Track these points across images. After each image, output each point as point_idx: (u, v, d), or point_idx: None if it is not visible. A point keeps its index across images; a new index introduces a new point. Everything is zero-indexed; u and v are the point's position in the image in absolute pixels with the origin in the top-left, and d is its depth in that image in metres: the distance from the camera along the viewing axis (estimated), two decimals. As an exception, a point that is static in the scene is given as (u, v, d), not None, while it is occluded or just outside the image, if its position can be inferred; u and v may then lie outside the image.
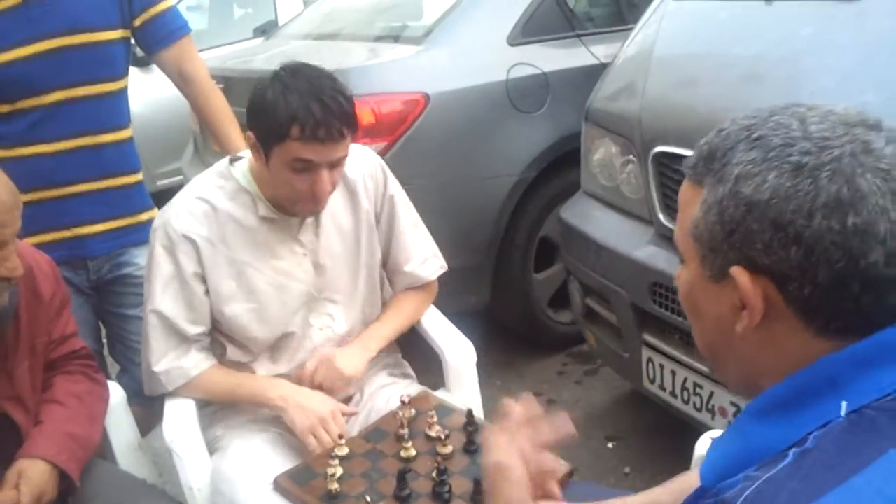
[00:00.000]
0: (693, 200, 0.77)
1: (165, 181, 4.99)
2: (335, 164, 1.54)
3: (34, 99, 1.86)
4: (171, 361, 1.65)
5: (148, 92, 4.01)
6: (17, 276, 1.37)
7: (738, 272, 0.72)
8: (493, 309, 3.04)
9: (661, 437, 2.55)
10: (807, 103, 0.75)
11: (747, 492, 0.65)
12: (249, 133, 1.55)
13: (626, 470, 2.54)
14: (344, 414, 1.62)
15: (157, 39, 2.03)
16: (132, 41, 2.03)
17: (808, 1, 1.95)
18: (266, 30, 5.48)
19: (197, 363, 1.67)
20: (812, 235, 0.68)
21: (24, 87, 1.85)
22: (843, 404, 0.68)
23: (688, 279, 0.80)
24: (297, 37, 3.65)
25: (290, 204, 1.61)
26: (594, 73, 2.71)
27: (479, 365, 1.84)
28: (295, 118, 1.45)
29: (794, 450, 0.67)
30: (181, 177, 4.02)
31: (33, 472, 1.44)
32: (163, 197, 2.15)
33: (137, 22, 1.99)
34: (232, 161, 1.69)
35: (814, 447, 0.67)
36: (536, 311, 3.10)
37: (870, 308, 0.69)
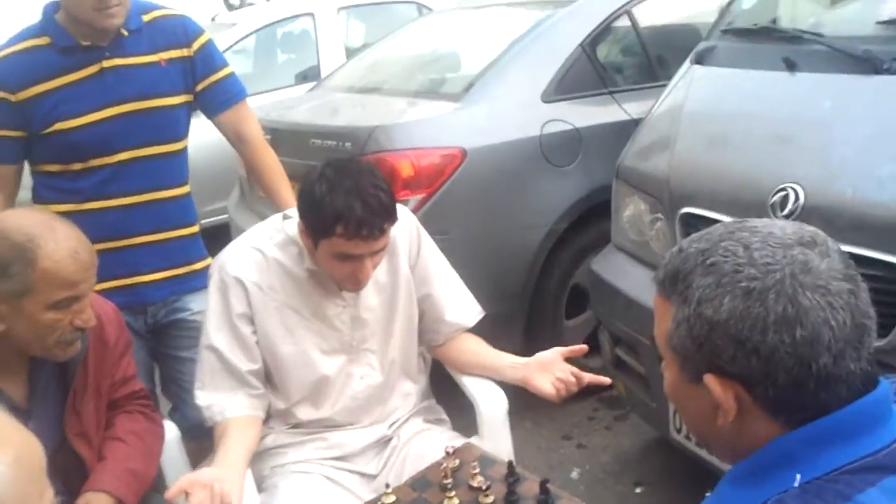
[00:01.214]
0: (665, 314, 0.88)
1: (210, 219, 5.17)
2: (377, 253, 1.67)
3: (105, 158, 2.02)
4: (215, 397, 1.75)
5: (195, 134, 4.20)
6: (90, 327, 1.51)
7: (710, 380, 0.84)
8: (525, 354, 3.11)
9: (688, 484, 2.59)
10: (750, 225, 0.87)
11: None
12: (300, 221, 1.70)
13: (654, 515, 2.59)
14: None
15: (217, 104, 2.19)
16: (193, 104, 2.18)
17: (828, 75, 2.04)
18: (307, 75, 5.68)
19: (237, 408, 1.74)
20: (767, 348, 0.80)
21: (96, 147, 2.00)
22: (797, 476, 0.80)
23: (671, 380, 0.92)
24: (340, 89, 3.80)
25: (334, 282, 1.75)
26: (625, 128, 2.82)
27: (510, 408, 1.91)
28: (339, 218, 1.58)
29: None
30: (226, 216, 4.18)
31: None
32: (206, 235, 2.29)
33: (199, 87, 2.14)
34: (285, 217, 1.82)
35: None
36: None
37: (827, 400, 0.81)
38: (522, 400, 1.92)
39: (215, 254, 1.81)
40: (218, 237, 4.23)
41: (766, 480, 0.82)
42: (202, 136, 2.59)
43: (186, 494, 1.48)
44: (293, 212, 1.82)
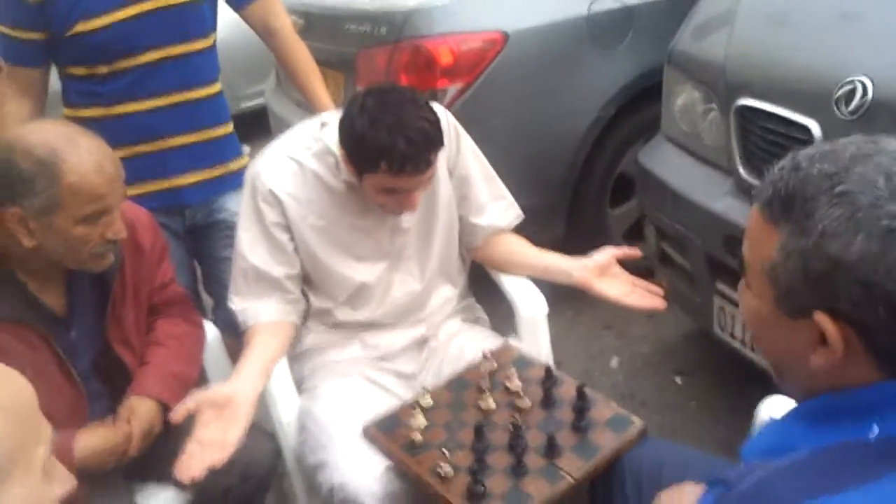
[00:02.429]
0: (767, 240, 0.78)
1: (249, 103, 5.10)
2: (424, 185, 1.63)
3: (130, 59, 1.94)
4: (247, 301, 1.77)
5: (231, 16, 4.09)
6: (121, 238, 1.49)
7: (823, 319, 0.74)
8: (567, 243, 3.07)
9: (729, 375, 2.58)
10: (892, 149, 0.74)
11: (754, 478, 0.71)
12: (341, 150, 1.63)
13: (693, 404, 2.60)
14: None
15: None
16: None
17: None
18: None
19: (269, 311, 1.75)
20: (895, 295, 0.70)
21: (121, 48, 1.93)
22: (875, 428, 0.73)
23: (757, 309, 0.82)
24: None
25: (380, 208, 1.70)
26: (680, 5, 2.61)
27: (550, 296, 1.90)
28: (383, 154, 1.52)
29: (811, 450, 0.73)
30: (262, 100, 4.11)
31: (142, 409, 1.59)
32: (245, 119, 2.23)
33: None
34: (322, 124, 1.75)
35: (829, 454, 0.72)
36: (612, 245, 3.11)
37: None
38: (563, 290, 1.88)
39: (253, 142, 1.76)
40: (255, 125, 4.19)
41: (842, 424, 0.75)
42: (234, 18, 2.49)
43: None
44: (331, 116, 1.75)
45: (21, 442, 0.78)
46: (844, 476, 0.69)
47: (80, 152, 1.38)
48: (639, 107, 2.88)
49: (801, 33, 1.98)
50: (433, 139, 1.56)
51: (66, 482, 0.85)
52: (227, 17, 2.15)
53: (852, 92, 1.70)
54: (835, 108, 1.72)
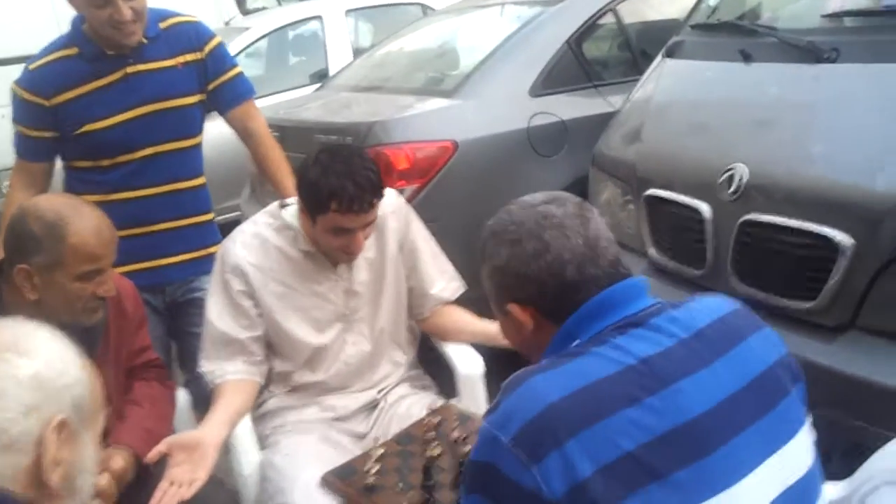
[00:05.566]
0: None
1: (224, 216, 5.38)
2: (367, 226, 1.88)
3: (130, 154, 2.24)
4: (215, 363, 1.95)
5: (211, 136, 4.42)
6: (110, 296, 1.73)
7: (512, 307, 1.18)
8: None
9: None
10: (517, 200, 1.22)
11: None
12: (299, 200, 1.90)
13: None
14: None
15: (227, 101, 2.40)
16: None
17: (777, 64, 2.22)
18: (322, 76, 5.90)
19: (236, 371, 1.93)
20: (534, 275, 1.14)
21: (122, 145, 2.23)
22: (577, 341, 1.12)
23: (499, 321, 1.27)
24: (345, 88, 4.01)
25: (329, 254, 1.95)
26: (608, 120, 2.98)
27: (490, 367, 2.08)
28: (333, 196, 1.79)
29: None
30: (239, 213, 4.41)
31: (118, 457, 1.75)
32: (222, 230, 2.49)
33: (211, 87, 2.36)
34: (282, 206, 2.03)
35: (550, 358, 1.10)
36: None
37: (585, 299, 1.13)
38: (504, 358, 2.09)
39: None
40: (231, 232, 4.46)
41: (561, 347, 1.14)
42: (217, 139, 2.81)
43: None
44: (291, 200, 2.03)
45: (98, 402, 1.02)
46: (557, 364, 1.07)
47: (82, 218, 1.63)
48: (576, 208, 3.18)
49: (695, 136, 2.33)
50: (376, 185, 1.82)
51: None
52: (206, 138, 2.43)
53: (732, 177, 2.02)
54: (719, 192, 2.04)
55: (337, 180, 1.78)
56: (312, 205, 1.84)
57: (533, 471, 0.98)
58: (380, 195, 1.85)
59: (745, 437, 1.03)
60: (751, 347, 1.11)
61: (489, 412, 1.08)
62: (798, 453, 1.08)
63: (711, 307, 1.15)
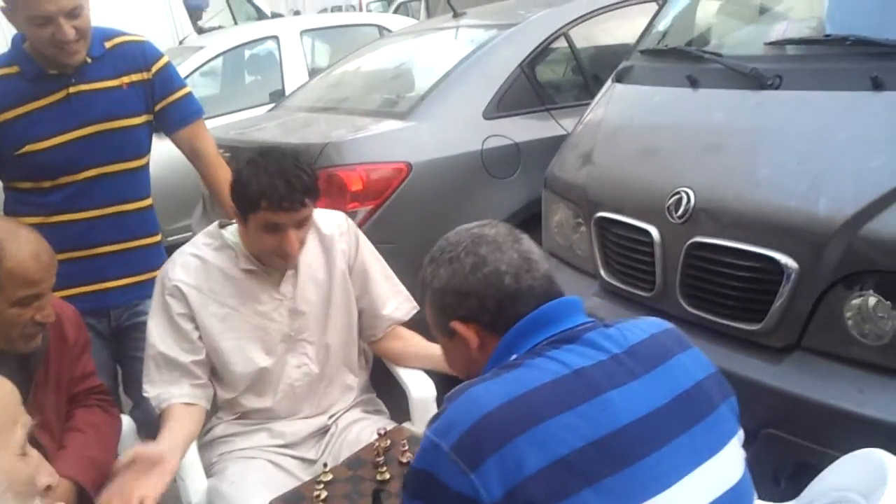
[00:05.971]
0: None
1: (176, 237, 5.31)
2: (300, 224, 1.86)
3: (72, 175, 2.19)
4: (159, 387, 1.91)
5: (162, 157, 4.37)
6: (49, 322, 1.68)
7: (456, 325, 1.22)
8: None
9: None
10: (456, 228, 1.29)
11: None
12: (232, 202, 1.88)
13: None
14: None
15: (174, 122, 2.36)
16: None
17: (723, 90, 2.27)
18: (280, 95, 5.87)
19: (182, 394, 1.89)
20: (472, 287, 1.20)
21: (64, 166, 2.18)
22: (514, 355, 1.16)
23: (442, 345, 1.33)
24: (299, 108, 4.00)
25: (265, 259, 1.92)
26: (559, 142, 3.02)
27: (443, 393, 2.08)
28: (263, 194, 1.78)
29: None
30: (190, 233, 4.35)
31: (59, 488, 1.69)
32: (171, 251, 2.45)
33: (158, 107, 2.32)
34: (222, 225, 2.01)
35: (491, 371, 1.15)
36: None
37: (524, 310, 1.19)
38: (456, 382, 2.09)
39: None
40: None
41: (499, 361, 1.18)
42: (168, 158, 2.76)
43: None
44: (229, 221, 2.01)
45: (9, 416, 0.97)
46: (496, 374, 1.12)
47: (19, 242, 1.58)
48: (528, 229, 3.16)
49: (643, 160, 2.37)
50: (308, 185, 1.81)
51: (51, 476, 1.03)
52: (155, 156, 2.40)
53: (679, 200, 2.06)
54: (667, 215, 2.07)
55: (268, 179, 1.78)
56: (244, 204, 1.83)
57: (472, 477, 1.01)
58: (313, 195, 1.84)
59: (673, 447, 1.07)
60: (680, 363, 1.17)
61: (432, 421, 1.12)
62: (728, 464, 1.12)
63: (643, 326, 1.21)
